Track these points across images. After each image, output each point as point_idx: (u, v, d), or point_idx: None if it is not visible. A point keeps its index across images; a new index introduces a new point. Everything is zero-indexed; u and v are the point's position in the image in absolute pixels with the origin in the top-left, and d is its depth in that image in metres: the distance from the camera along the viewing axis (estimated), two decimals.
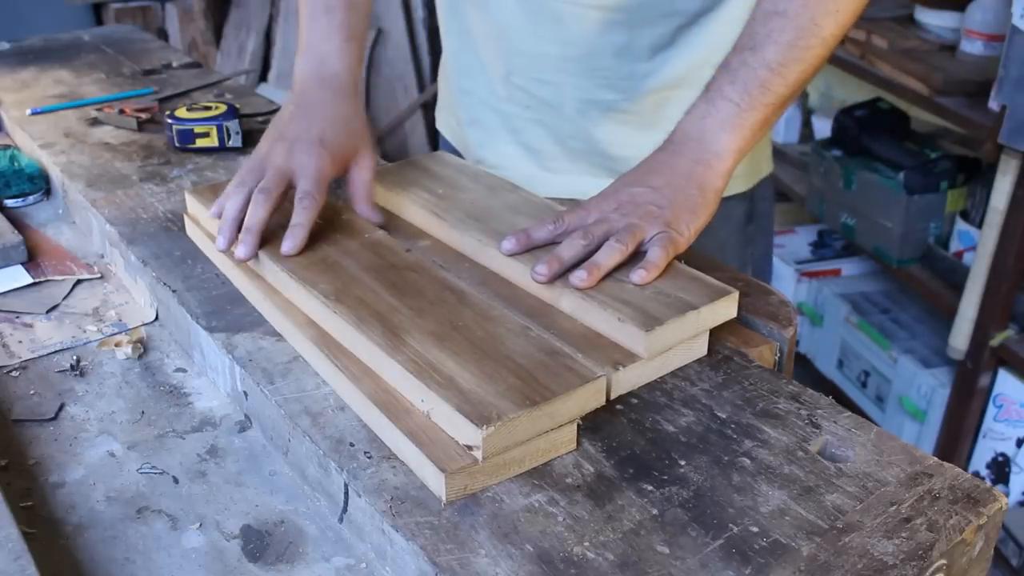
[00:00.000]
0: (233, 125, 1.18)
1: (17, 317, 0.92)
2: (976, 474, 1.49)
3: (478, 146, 1.15)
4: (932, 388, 2.07)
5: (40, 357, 0.86)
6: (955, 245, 2.04)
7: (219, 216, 0.87)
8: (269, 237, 0.85)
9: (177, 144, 1.17)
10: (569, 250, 0.78)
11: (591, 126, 1.04)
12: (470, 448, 0.62)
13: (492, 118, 1.11)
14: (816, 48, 0.83)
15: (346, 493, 0.64)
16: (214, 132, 1.17)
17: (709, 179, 0.83)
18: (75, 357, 0.85)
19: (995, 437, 1.90)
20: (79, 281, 0.98)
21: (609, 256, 0.77)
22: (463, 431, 0.62)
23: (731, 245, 1.09)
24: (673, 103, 1.01)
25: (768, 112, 0.84)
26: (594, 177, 1.06)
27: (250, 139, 1.21)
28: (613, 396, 0.70)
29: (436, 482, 0.61)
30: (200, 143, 1.18)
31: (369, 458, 0.65)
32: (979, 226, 1.85)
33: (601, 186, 1.00)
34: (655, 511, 0.60)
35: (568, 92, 1.03)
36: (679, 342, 0.73)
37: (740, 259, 1.11)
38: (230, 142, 1.18)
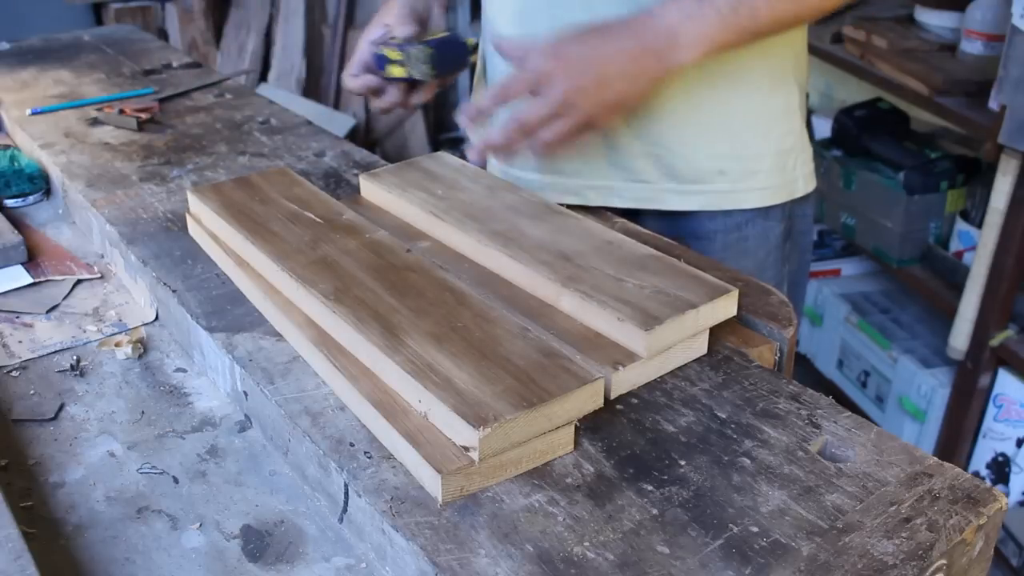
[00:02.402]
0: (418, 53, 1.04)
1: (17, 317, 0.92)
2: (976, 474, 1.49)
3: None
4: (932, 388, 2.07)
5: (40, 357, 0.86)
6: (955, 245, 2.04)
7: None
8: (266, 235, 0.86)
9: (376, 67, 1.08)
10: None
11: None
12: (467, 449, 0.62)
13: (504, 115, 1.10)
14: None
15: (346, 493, 0.64)
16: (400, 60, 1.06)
17: (658, 74, 0.87)
18: (75, 357, 0.85)
19: (995, 437, 1.90)
20: (79, 281, 0.98)
21: (529, 113, 0.86)
22: (460, 432, 0.62)
23: (769, 264, 1.08)
24: (708, 100, 0.99)
25: (740, 39, 0.87)
26: (607, 180, 1.04)
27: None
28: (613, 396, 0.70)
29: (432, 483, 0.61)
30: (392, 72, 1.07)
31: (369, 458, 0.66)
32: (979, 226, 1.85)
33: (611, 191, 1.01)
34: (655, 511, 0.60)
35: None
36: (679, 341, 0.73)
37: (777, 277, 1.10)
38: (415, 73, 1.05)
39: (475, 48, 1.12)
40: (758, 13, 0.84)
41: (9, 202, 1.13)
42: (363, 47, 1.09)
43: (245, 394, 0.76)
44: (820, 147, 2.27)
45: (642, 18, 0.87)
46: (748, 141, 1.01)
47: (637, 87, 0.88)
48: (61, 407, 0.79)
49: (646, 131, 1.01)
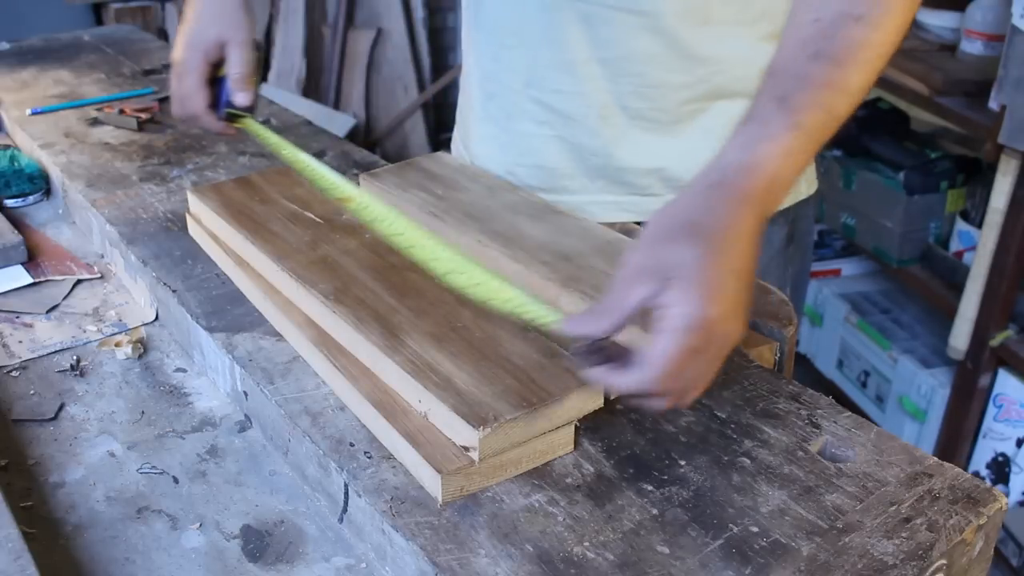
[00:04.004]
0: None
1: (17, 317, 0.92)
2: (976, 474, 1.49)
3: (489, 164, 1.12)
4: (932, 388, 2.07)
5: (40, 357, 0.86)
6: (955, 245, 2.04)
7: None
8: (266, 235, 0.86)
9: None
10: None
11: (615, 134, 1.00)
12: (467, 449, 0.62)
13: (503, 137, 1.08)
14: (880, 69, 0.68)
15: (346, 493, 0.64)
16: None
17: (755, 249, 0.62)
18: (75, 357, 0.85)
19: (995, 437, 1.89)
20: (79, 281, 0.98)
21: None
22: (460, 432, 0.62)
23: (772, 269, 1.06)
24: (711, 114, 0.97)
25: (823, 141, 0.67)
26: (612, 195, 1.03)
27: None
28: (613, 396, 0.70)
29: (432, 483, 0.61)
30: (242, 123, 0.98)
31: (369, 458, 0.65)
32: (979, 226, 1.85)
33: (617, 205, 0.98)
34: (655, 511, 0.60)
35: (593, 98, 0.98)
36: None
37: (780, 281, 1.07)
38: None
39: None
40: (840, 114, 0.66)
41: (9, 202, 1.13)
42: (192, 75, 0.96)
43: (245, 394, 0.76)
44: None
45: (733, 182, 0.62)
46: None
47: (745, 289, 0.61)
48: (61, 407, 0.79)
49: (647, 149, 1.00)
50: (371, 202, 0.78)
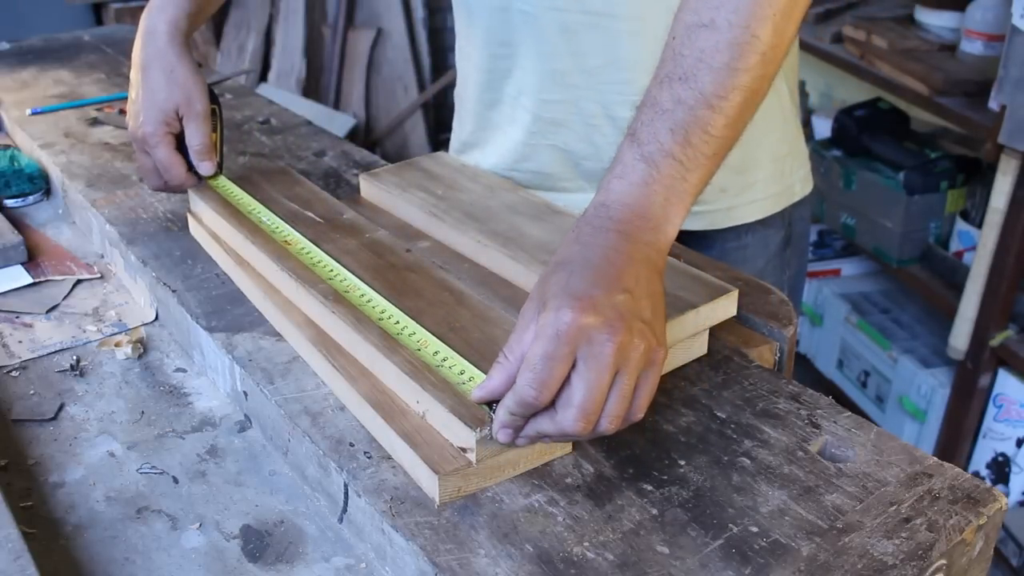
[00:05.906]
0: None
1: (17, 317, 0.92)
2: (976, 474, 1.49)
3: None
4: (932, 388, 2.07)
5: (40, 357, 0.86)
6: (955, 245, 2.04)
7: None
8: (267, 234, 0.86)
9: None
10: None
11: (606, 142, 1.00)
12: (464, 450, 0.62)
13: (502, 144, 1.08)
14: (757, 68, 0.65)
15: (346, 493, 0.64)
16: None
17: (661, 268, 0.65)
18: (75, 357, 0.85)
19: (995, 437, 1.90)
20: (79, 281, 0.98)
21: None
22: (457, 433, 0.62)
23: (768, 272, 1.06)
24: None
25: (711, 167, 0.66)
26: None
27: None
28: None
29: (430, 484, 0.61)
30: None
31: (369, 458, 0.66)
32: (979, 226, 1.85)
33: None
34: (655, 511, 0.60)
35: (581, 107, 0.99)
36: (679, 341, 0.73)
37: (777, 283, 1.07)
38: None
39: None
40: (712, 128, 0.65)
41: (9, 202, 1.13)
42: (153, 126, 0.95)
43: (245, 394, 0.77)
44: (820, 147, 2.26)
45: (597, 217, 0.65)
46: (744, 153, 0.99)
47: (659, 295, 0.63)
48: (61, 407, 0.79)
49: None
50: (311, 247, 0.84)
